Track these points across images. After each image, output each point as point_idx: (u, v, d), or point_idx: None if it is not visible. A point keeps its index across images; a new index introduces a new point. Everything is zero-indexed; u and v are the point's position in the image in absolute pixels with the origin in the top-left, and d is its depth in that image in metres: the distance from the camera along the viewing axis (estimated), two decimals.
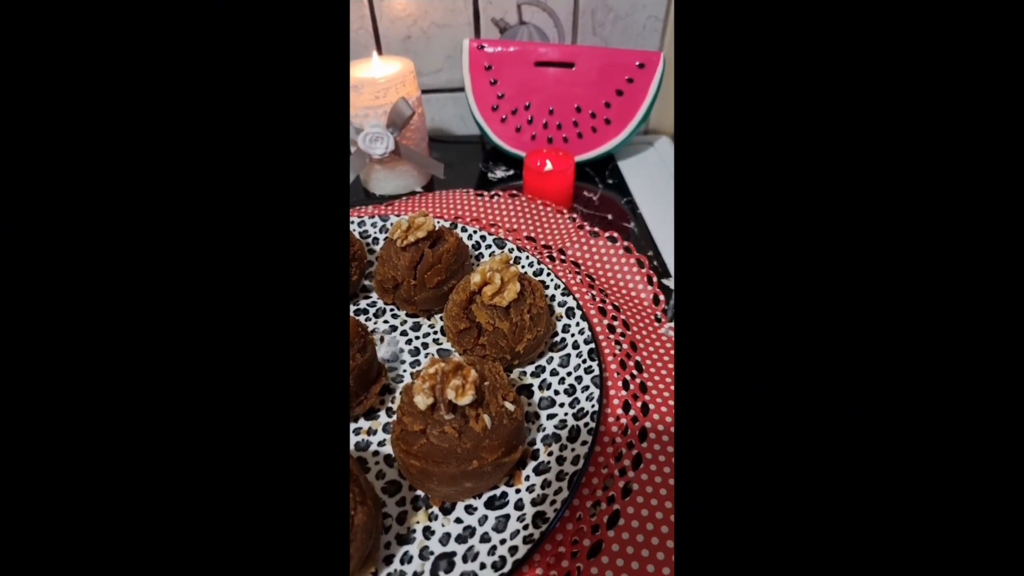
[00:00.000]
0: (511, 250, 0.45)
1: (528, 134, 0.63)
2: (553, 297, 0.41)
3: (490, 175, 0.65)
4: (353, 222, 0.49)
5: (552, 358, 0.38)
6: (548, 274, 0.42)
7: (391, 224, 0.49)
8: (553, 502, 0.29)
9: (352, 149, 0.59)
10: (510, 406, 0.29)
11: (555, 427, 0.33)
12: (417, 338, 0.40)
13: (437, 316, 0.42)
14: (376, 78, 0.54)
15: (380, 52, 0.69)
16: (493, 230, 0.49)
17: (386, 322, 0.42)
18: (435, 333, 0.41)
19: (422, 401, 0.27)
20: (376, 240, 0.49)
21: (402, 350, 0.40)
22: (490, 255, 0.46)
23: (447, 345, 0.40)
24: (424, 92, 0.69)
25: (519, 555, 0.26)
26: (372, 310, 0.43)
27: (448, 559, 0.28)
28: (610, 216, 0.57)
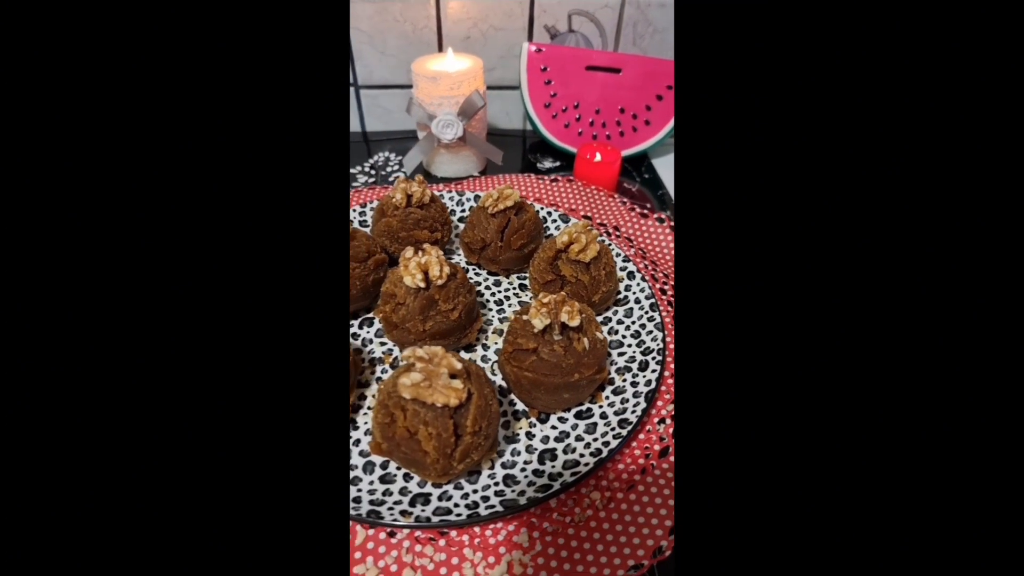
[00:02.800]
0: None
1: (575, 130, 0.71)
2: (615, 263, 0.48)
3: (539, 165, 0.72)
4: (438, 194, 0.56)
5: (617, 311, 0.45)
6: (610, 244, 0.49)
7: (466, 198, 0.56)
8: (634, 411, 0.36)
9: (423, 134, 0.66)
10: (600, 335, 0.36)
11: (626, 361, 0.40)
12: (500, 291, 0.48)
13: (514, 275, 0.49)
14: (450, 72, 0.61)
15: (441, 49, 0.76)
16: (554, 208, 0.57)
17: (470, 278, 0.49)
18: (514, 288, 0.48)
19: (539, 323, 0.34)
20: (453, 212, 0.56)
21: (487, 300, 0.47)
22: (555, 228, 0.53)
23: (525, 298, 0.47)
24: None
25: (613, 446, 0.33)
26: None
27: (551, 452, 0.35)
28: (648, 205, 0.64)
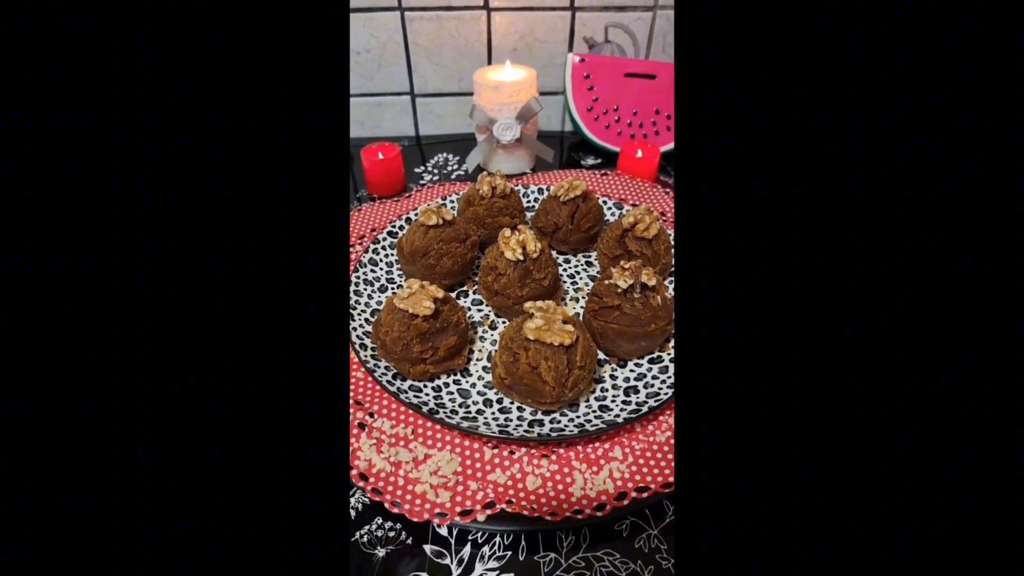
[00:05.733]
0: (630, 208, 0.60)
1: (615, 131, 0.79)
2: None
3: (582, 163, 0.81)
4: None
5: (673, 281, 0.53)
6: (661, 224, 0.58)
7: (530, 190, 0.65)
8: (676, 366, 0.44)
9: (482, 136, 0.75)
10: (668, 294, 0.44)
11: None
12: (570, 267, 0.56)
13: (580, 255, 0.57)
14: (508, 81, 0.70)
15: (490, 60, 0.84)
16: (608, 197, 0.65)
17: None
18: (581, 265, 0.56)
19: (624, 283, 0.42)
20: (520, 199, 0.64)
21: (560, 275, 0.55)
22: (610, 213, 0.61)
23: (593, 272, 0.55)
24: None
25: None
26: None
27: (634, 388, 0.43)
28: None
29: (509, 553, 0.36)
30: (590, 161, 0.81)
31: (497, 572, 0.35)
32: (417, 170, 0.78)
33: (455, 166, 0.79)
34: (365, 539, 0.36)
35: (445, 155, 0.83)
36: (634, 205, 0.64)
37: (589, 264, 0.57)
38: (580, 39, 0.83)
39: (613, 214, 0.61)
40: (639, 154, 0.70)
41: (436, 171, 0.78)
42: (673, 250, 0.55)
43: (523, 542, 0.36)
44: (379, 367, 0.43)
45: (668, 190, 0.67)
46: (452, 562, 0.35)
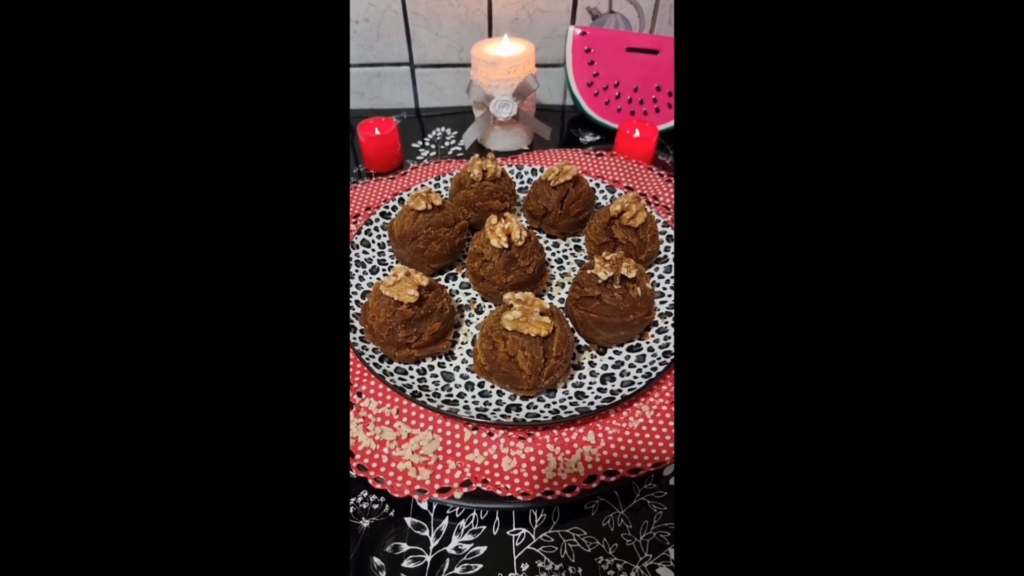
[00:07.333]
0: (622, 192, 0.61)
1: (615, 107, 0.78)
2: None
3: (581, 139, 0.80)
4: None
5: (658, 268, 0.54)
6: (651, 212, 0.58)
7: (524, 171, 0.65)
8: (676, 346, 0.45)
9: (479, 112, 0.74)
10: (648, 286, 0.45)
11: (667, 308, 0.49)
12: (558, 252, 0.57)
13: (570, 238, 0.58)
14: (505, 56, 0.69)
15: (491, 30, 0.83)
16: (601, 180, 0.65)
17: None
18: (570, 249, 0.57)
19: (604, 275, 0.43)
20: (511, 182, 0.64)
21: (548, 259, 0.56)
22: (603, 197, 0.62)
23: (581, 256, 0.56)
24: None
25: (660, 370, 0.43)
26: None
27: (610, 376, 0.44)
28: None
29: (484, 528, 0.38)
30: (589, 138, 0.80)
31: (472, 545, 0.37)
32: (415, 145, 0.78)
33: (453, 141, 0.79)
34: (351, 510, 0.39)
35: (443, 129, 0.82)
36: (628, 188, 0.64)
37: (578, 248, 0.57)
38: (583, 9, 0.81)
39: (606, 197, 0.62)
40: (636, 133, 0.69)
41: (434, 146, 0.78)
42: (660, 236, 0.55)
43: (497, 518, 0.39)
44: (367, 349, 0.45)
45: (663, 172, 0.66)
46: (430, 534, 0.38)
